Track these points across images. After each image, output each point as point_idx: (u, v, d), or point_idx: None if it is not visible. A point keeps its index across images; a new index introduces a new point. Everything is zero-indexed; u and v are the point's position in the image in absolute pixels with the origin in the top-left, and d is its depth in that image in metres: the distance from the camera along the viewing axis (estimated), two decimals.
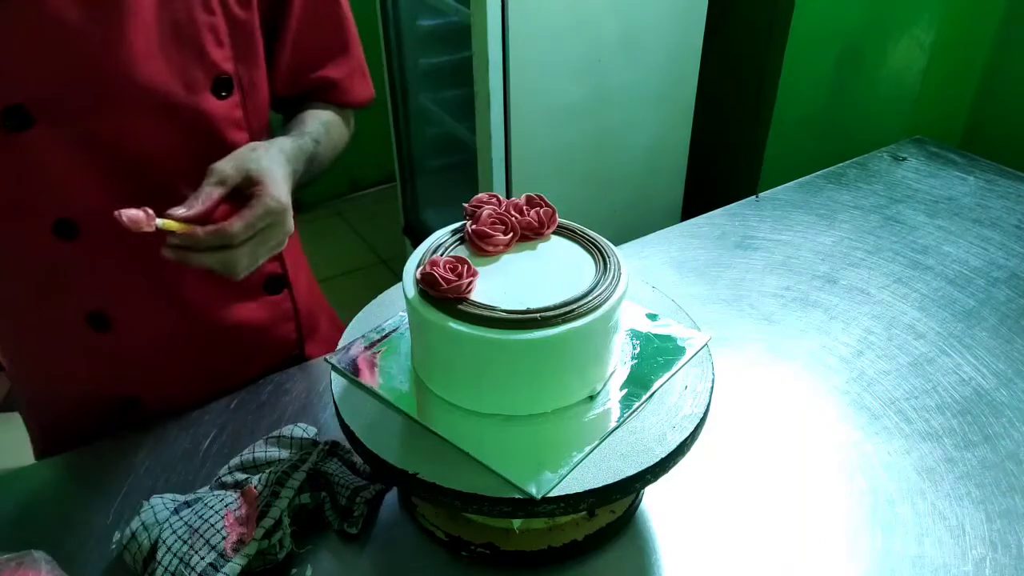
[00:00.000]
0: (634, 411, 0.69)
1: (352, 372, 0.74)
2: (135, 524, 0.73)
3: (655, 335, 0.78)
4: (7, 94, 0.70)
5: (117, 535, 0.77)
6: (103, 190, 0.77)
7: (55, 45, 0.70)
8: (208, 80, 0.77)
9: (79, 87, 0.72)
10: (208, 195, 0.69)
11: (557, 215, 0.76)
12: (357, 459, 0.80)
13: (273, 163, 0.74)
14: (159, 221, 0.65)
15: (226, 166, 0.71)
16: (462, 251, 0.73)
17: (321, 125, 0.89)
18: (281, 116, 0.93)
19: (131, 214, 0.63)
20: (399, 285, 0.72)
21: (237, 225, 0.68)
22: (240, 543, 0.71)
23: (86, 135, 0.74)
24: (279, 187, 0.72)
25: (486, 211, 0.74)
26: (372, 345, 0.78)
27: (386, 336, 0.79)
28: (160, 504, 0.75)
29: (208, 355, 0.93)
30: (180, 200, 0.69)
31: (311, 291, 1.05)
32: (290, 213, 0.74)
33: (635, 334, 0.78)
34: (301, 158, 0.82)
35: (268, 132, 0.89)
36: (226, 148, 0.77)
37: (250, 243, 0.70)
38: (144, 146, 0.76)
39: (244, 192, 0.71)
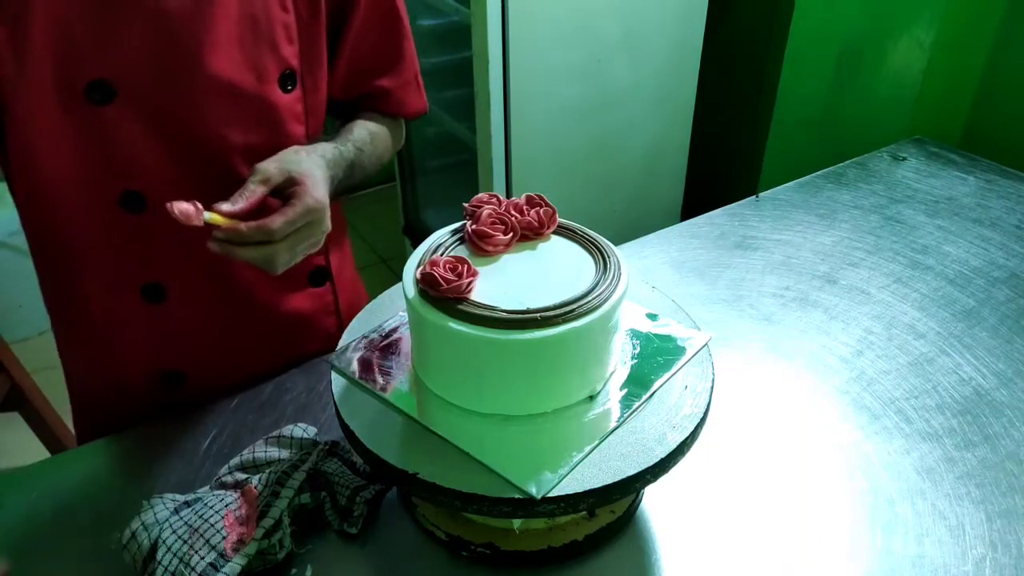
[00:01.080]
0: (634, 411, 0.69)
1: (352, 372, 0.74)
2: (135, 524, 0.73)
3: (655, 335, 0.78)
4: (96, 67, 0.74)
5: (117, 535, 0.77)
6: (171, 167, 0.80)
7: (147, 25, 0.74)
8: (277, 73, 0.81)
9: (162, 67, 0.76)
10: (252, 192, 0.73)
11: (557, 215, 0.76)
12: (357, 459, 0.80)
13: (314, 166, 0.78)
14: (206, 215, 0.68)
15: (270, 166, 0.75)
16: (462, 251, 0.73)
17: (368, 134, 0.93)
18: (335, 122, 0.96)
19: (182, 207, 0.66)
20: (399, 285, 0.72)
21: (279, 222, 0.71)
22: (240, 543, 0.71)
23: (161, 113, 0.78)
24: (319, 188, 0.76)
25: (486, 211, 0.74)
26: (372, 345, 0.78)
27: (386, 336, 0.79)
28: (160, 504, 0.75)
29: (251, 339, 0.95)
30: (240, 183, 0.73)
31: (355, 287, 1.07)
32: (328, 213, 0.77)
33: (635, 334, 0.78)
34: (341, 164, 0.85)
35: (323, 133, 0.92)
36: (285, 138, 0.83)
37: (289, 239, 0.73)
38: (213, 129, 0.80)
39: (284, 192, 0.75)
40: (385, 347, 0.77)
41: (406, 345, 0.77)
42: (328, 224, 0.77)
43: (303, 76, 0.85)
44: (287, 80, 0.83)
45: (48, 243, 0.85)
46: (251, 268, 0.89)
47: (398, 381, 0.73)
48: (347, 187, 0.88)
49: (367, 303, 1.08)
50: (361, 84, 0.95)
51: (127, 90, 0.76)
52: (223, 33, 0.76)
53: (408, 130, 2.39)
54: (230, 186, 0.76)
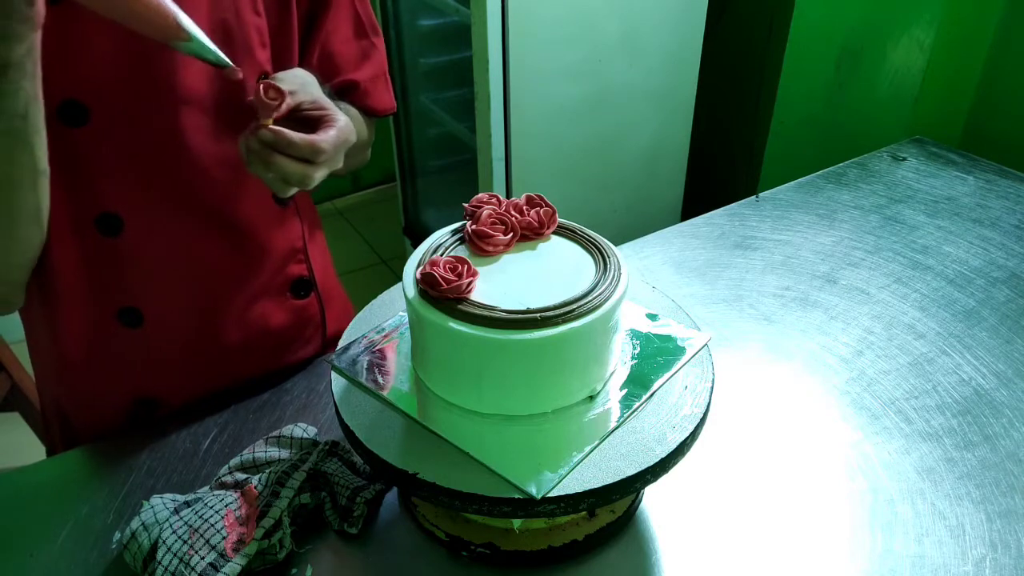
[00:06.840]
0: (634, 411, 0.69)
1: (352, 372, 0.74)
2: (135, 524, 0.73)
3: (655, 335, 0.78)
4: (64, 88, 0.72)
5: (117, 535, 0.77)
6: (148, 187, 0.79)
7: (112, 42, 0.72)
8: (252, 78, 0.80)
9: (133, 84, 0.74)
10: (287, 104, 0.69)
11: (557, 215, 0.76)
12: (357, 459, 0.81)
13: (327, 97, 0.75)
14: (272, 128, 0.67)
15: (296, 89, 0.71)
16: (462, 251, 0.73)
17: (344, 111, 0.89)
18: None
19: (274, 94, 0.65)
20: (399, 285, 0.72)
21: (330, 144, 0.69)
22: (240, 543, 0.71)
23: (136, 132, 0.76)
24: (343, 117, 0.73)
25: (486, 211, 0.74)
26: (372, 345, 0.78)
27: (386, 336, 0.79)
28: (160, 504, 0.75)
29: (232, 360, 0.93)
30: (216, 198, 0.72)
31: (339, 293, 1.05)
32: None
33: (635, 334, 0.78)
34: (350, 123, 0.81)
35: None
36: None
37: (327, 164, 0.70)
38: (189, 142, 0.78)
39: (300, 113, 0.72)
40: (385, 347, 0.77)
41: (406, 345, 0.77)
42: (341, 161, 0.74)
43: None
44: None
45: None
46: (231, 283, 0.88)
47: (398, 381, 0.73)
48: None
49: (351, 309, 1.08)
50: (331, 79, 0.92)
51: (100, 110, 0.74)
52: None
53: (408, 130, 2.40)
54: (208, 202, 0.73)
